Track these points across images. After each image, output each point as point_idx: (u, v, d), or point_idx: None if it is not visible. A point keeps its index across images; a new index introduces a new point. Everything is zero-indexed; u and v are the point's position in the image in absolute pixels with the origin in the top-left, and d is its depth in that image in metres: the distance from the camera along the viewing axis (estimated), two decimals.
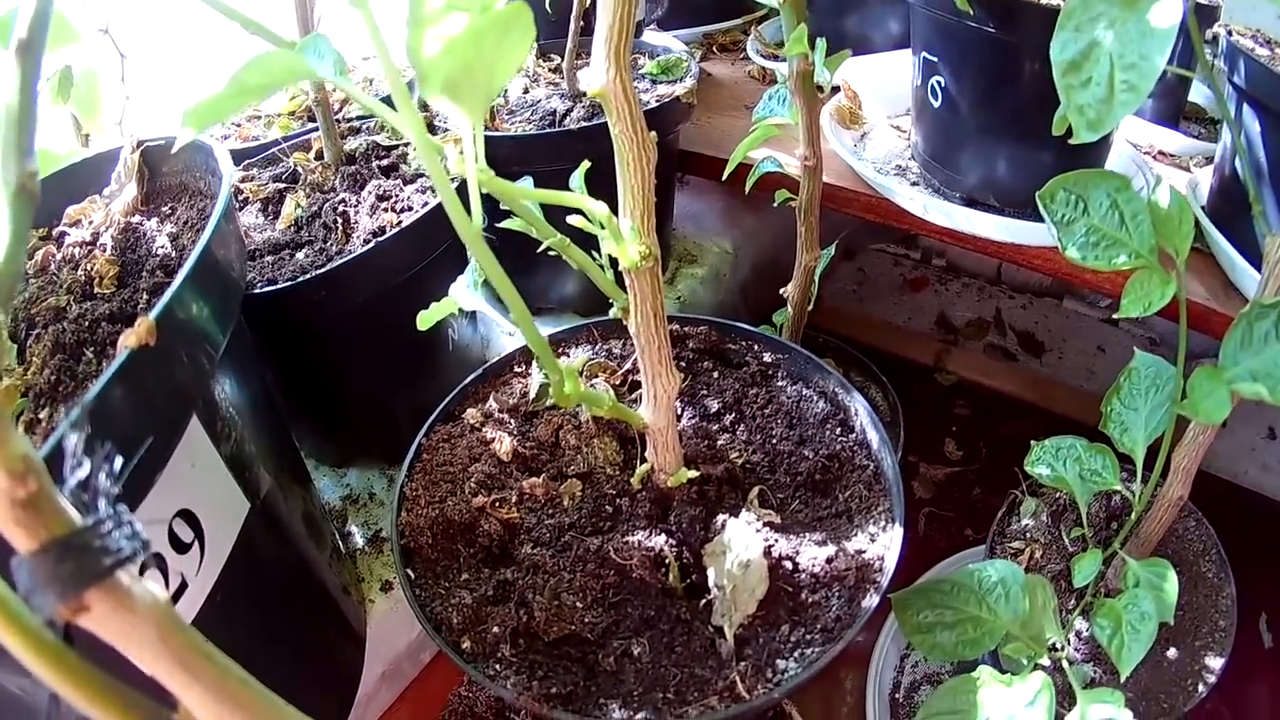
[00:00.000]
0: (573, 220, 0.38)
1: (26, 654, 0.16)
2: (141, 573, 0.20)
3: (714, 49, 1.01)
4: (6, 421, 0.16)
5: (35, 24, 0.22)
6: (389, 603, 0.60)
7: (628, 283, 0.36)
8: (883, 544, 0.39)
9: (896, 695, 0.74)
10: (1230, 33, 0.59)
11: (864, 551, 0.39)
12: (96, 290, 0.45)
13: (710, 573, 0.38)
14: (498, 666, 0.37)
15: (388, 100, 0.27)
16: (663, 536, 0.39)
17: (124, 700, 0.17)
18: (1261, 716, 0.79)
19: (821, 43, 0.51)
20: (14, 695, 0.32)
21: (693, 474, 0.40)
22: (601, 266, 0.38)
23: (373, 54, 0.83)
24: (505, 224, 0.39)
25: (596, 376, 0.47)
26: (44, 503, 0.16)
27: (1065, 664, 0.49)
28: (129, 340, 0.30)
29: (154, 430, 0.32)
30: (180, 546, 0.37)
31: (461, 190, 0.28)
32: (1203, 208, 0.66)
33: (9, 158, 0.20)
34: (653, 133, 0.33)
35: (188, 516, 0.38)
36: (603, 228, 0.34)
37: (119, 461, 0.18)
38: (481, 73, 0.26)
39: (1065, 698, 0.47)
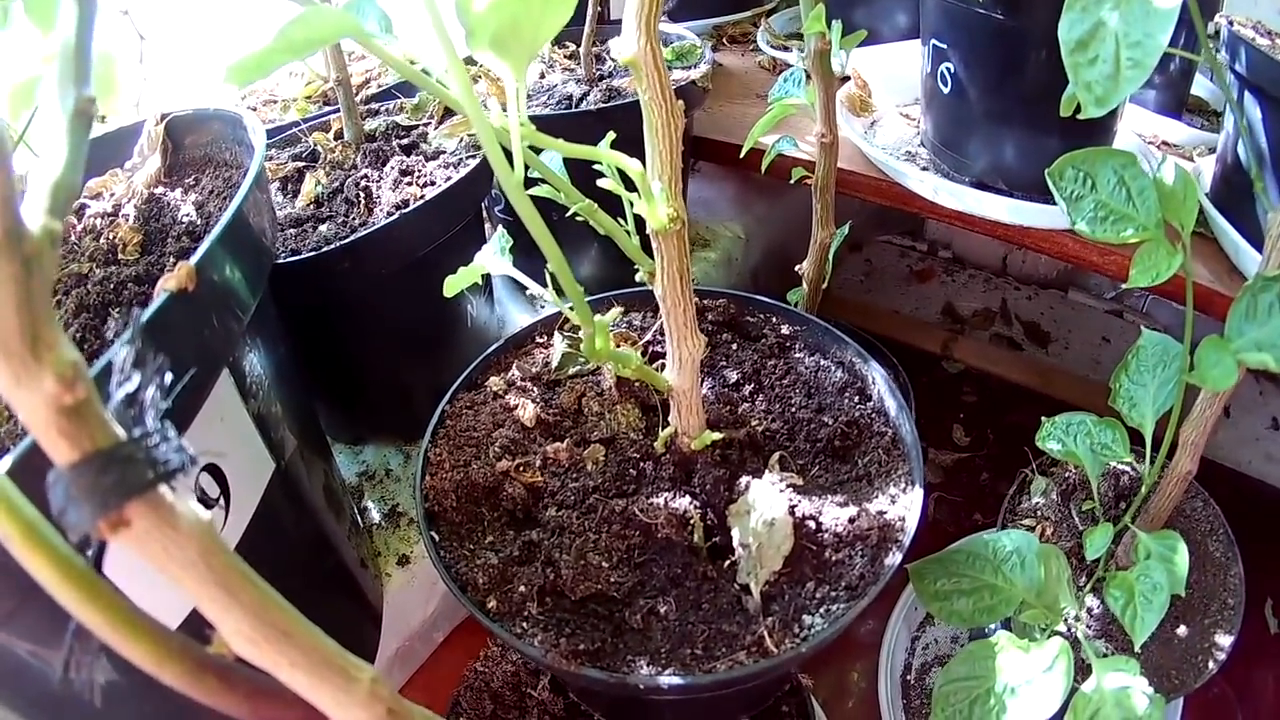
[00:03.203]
0: (601, 184, 0.38)
1: (53, 580, 0.15)
2: None
3: (724, 40, 1.03)
4: (56, 326, 0.15)
5: None
6: (405, 578, 0.60)
7: (655, 245, 0.36)
8: (903, 505, 0.40)
9: (908, 677, 0.74)
10: (1231, 23, 0.60)
11: (885, 512, 0.39)
12: (120, 257, 0.45)
13: (735, 532, 0.38)
14: (525, 625, 0.37)
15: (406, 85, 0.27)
16: (687, 498, 0.40)
17: (154, 631, 0.16)
18: (1267, 701, 0.79)
19: (838, 23, 0.52)
20: (25, 661, 0.32)
21: (716, 436, 0.41)
22: (627, 232, 0.39)
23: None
24: (534, 190, 0.40)
25: (619, 345, 0.47)
26: (89, 412, 0.15)
27: (1080, 637, 0.50)
28: (168, 284, 0.30)
29: (184, 378, 0.32)
30: (206, 502, 0.38)
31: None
32: (1206, 194, 0.67)
33: (68, 85, 0.21)
34: (680, 101, 0.34)
35: (215, 473, 0.38)
36: (633, 189, 0.35)
37: (168, 377, 0.17)
38: (528, 27, 0.27)
39: (1079, 671, 0.48)
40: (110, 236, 0.46)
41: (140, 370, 0.16)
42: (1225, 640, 0.58)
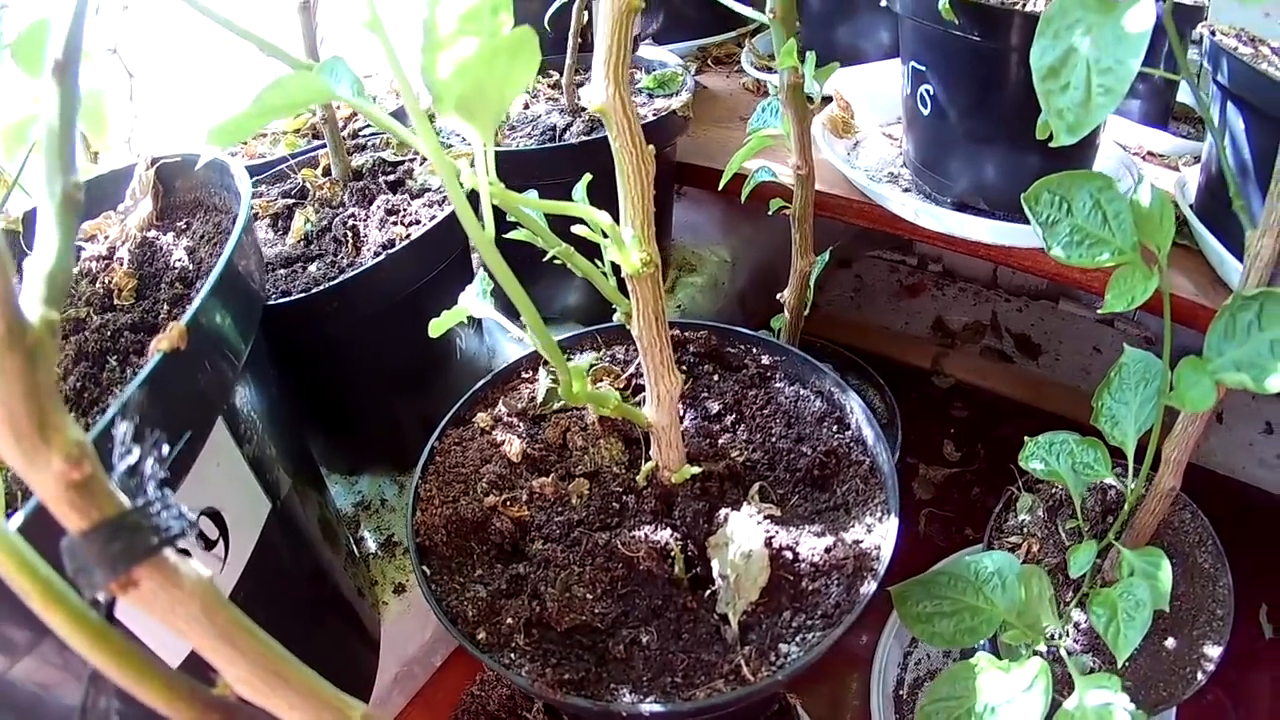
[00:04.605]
0: (577, 230, 0.39)
1: (71, 634, 0.17)
2: None
3: (709, 62, 1.04)
4: (61, 409, 0.16)
5: (70, 46, 0.24)
6: (401, 605, 0.61)
7: (630, 289, 0.38)
8: (879, 534, 0.41)
9: (900, 692, 0.75)
10: (1214, 33, 0.60)
11: (861, 541, 0.40)
12: (116, 302, 0.47)
13: (714, 563, 0.39)
14: (513, 655, 0.38)
15: (397, 116, 0.29)
16: (668, 530, 0.41)
17: (166, 676, 0.18)
18: (1262, 707, 0.80)
19: (811, 55, 0.53)
20: (34, 694, 0.33)
21: (696, 470, 0.42)
22: (604, 274, 0.40)
23: (369, 73, 0.85)
24: (511, 234, 0.41)
25: (601, 380, 0.48)
26: (96, 486, 0.16)
27: (1064, 653, 0.51)
28: (161, 344, 0.31)
29: (183, 431, 0.33)
30: (207, 544, 0.39)
31: (472, 202, 0.30)
32: (1191, 206, 0.68)
33: (54, 171, 0.22)
34: (651, 146, 0.35)
35: (214, 516, 0.39)
36: (606, 236, 0.36)
37: (165, 449, 0.18)
38: (493, 92, 0.28)
39: (1064, 687, 0.49)
40: (106, 281, 0.48)
41: (140, 444, 0.18)
42: (1214, 651, 0.58)
